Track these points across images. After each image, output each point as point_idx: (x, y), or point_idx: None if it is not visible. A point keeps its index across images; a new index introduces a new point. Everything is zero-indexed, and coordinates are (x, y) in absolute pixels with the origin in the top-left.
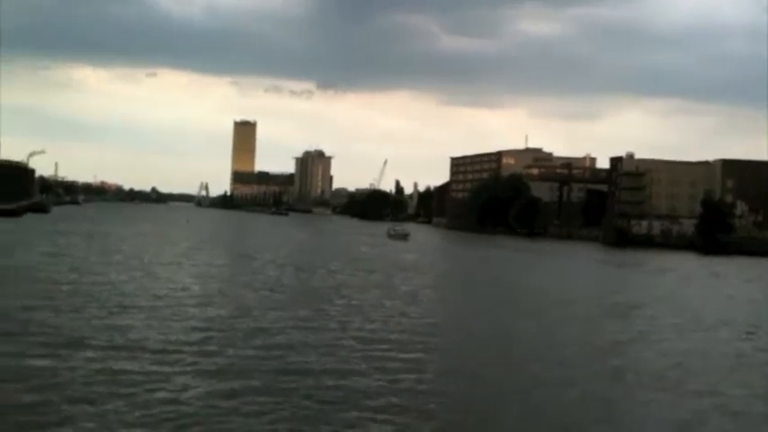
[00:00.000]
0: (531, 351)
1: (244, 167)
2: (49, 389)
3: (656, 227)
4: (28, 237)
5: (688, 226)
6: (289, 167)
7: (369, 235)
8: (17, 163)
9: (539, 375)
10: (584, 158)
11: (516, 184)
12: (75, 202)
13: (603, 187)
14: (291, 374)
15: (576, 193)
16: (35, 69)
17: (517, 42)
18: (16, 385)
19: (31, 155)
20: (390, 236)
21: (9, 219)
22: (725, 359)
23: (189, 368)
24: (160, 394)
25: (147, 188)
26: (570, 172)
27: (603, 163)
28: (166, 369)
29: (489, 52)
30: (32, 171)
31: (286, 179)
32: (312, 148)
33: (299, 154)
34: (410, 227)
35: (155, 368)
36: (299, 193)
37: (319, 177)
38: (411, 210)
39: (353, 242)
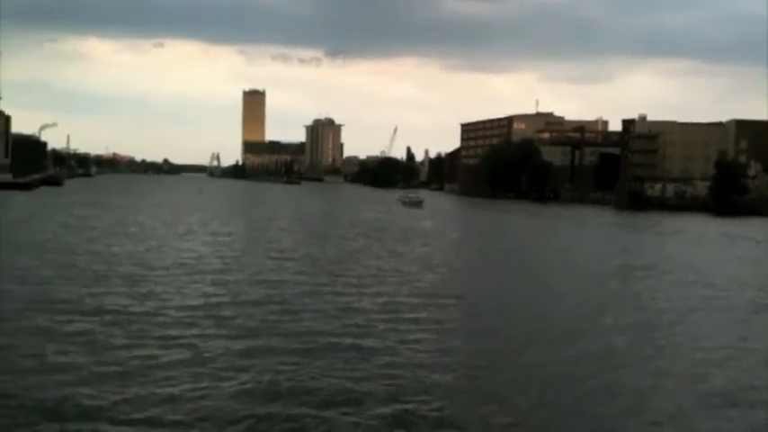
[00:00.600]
0: (539, 308)
1: (254, 137)
2: (79, 352)
3: (670, 189)
4: (43, 209)
5: (702, 188)
6: (299, 136)
7: (382, 202)
8: (29, 136)
9: (543, 329)
10: (596, 122)
11: (527, 149)
12: (87, 175)
13: (616, 150)
14: (308, 335)
15: (589, 156)
16: (41, 42)
17: (525, 5)
18: (52, 345)
19: (43, 128)
20: (404, 203)
21: (23, 192)
22: (725, 313)
23: (211, 331)
24: (181, 355)
25: (159, 159)
26: (582, 136)
27: (616, 126)
28: (188, 332)
29: (497, 16)
30: (44, 144)
31: (297, 148)
32: (322, 117)
33: (309, 122)
34: (423, 194)
35: (175, 332)
36: (310, 162)
37: (330, 146)
38: (423, 177)
39: (367, 210)
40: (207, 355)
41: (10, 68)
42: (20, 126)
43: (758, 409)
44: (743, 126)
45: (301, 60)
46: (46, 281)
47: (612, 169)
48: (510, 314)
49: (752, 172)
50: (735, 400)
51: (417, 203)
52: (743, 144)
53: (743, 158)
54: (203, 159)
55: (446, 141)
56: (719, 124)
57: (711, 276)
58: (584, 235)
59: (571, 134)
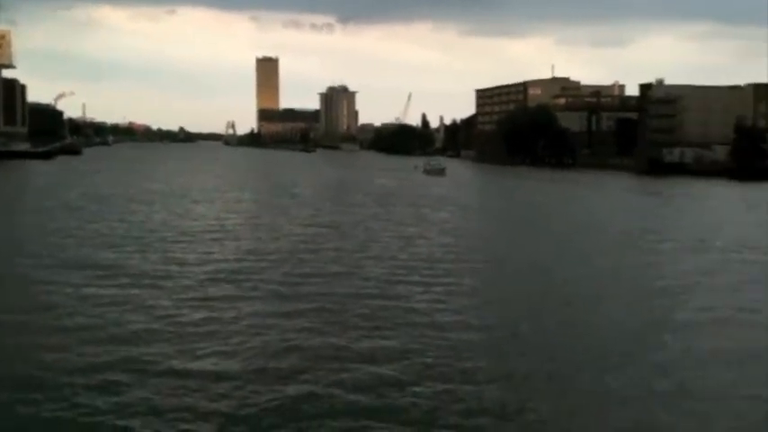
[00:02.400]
0: (550, 274)
1: (269, 105)
2: (127, 311)
3: (689, 154)
4: (67, 177)
5: (721, 152)
6: (314, 104)
7: (401, 169)
8: (45, 105)
9: (549, 290)
10: (613, 86)
11: (544, 115)
12: (105, 144)
13: (634, 115)
14: (337, 296)
15: (606, 122)
16: (55, 10)
17: None
18: (87, 308)
19: (59, 97)
20: (426, 171)
21: (44, 161)
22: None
23: (252, 293)
24: (214, 314)
25: (175, 128)
26: (599, 101)
27: (633, 90)
28: (223, 293)
29: None
30: (61, 113)
31: (311, 115)
32: (336, 84)
33: (324, 90)
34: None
35: (209, 291)
36: (325, 130)
37: (345, 113)
38: (438, 143)
39: (389, 177)
40: (233, 315)
41: (24, 37)
42: (36, 95)
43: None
44: (761, 89)
45: (314, 26)
46: (80, 245)
47: (631, 134)
48: (531, 276)
49: None
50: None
51: (440, 171)
52: (762, 108)
53: (762, 123)
54: (219, 128)
55: (462, 108)
56: (738, 88)
57: (728, 241)
58: (604, 200)
59: (588, 99)
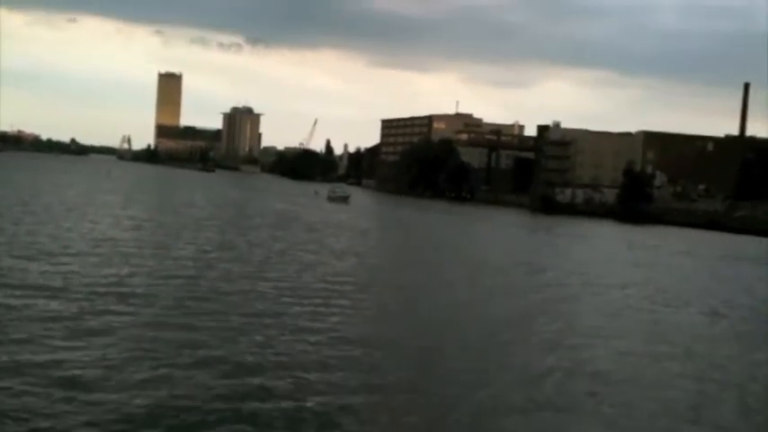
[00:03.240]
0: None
1: (169, 121)
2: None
3: (580, 195)
4: None
5: (610, 195)
6: (216, 123)
7: (302, 195)
8: None
9: (431, 315)
10: (513, 126)
11: (446, 149)
12: None
13: (531, 155)
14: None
15: (505, 159)
16: None
17: (451, 6)
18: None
19: None
20: (330, 198)
21: None
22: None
23: (123, 308)
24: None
25: (66, 139)
26: (499, 138)
27: (532, 131)
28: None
29: (421, 15)
30: None
31: (213, 135)
32: (240, 104)
33: (227, 109)
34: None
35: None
36: (226, 150)
37: (248, 134)
38: (341, 170)
39: (290, 203)
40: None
41: None
42: None
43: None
44: (651, 137)
45: (221, 45)
46: None
47: (527, 173)
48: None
49: (657, 182)
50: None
51: (344, 199)
52: (650, 155)
53: (650, 169)
54: (114, 141)
55: (366, 137)
56: (629, 134)
57: (596, 275)
58: (494, 234)
59: (489, 136)
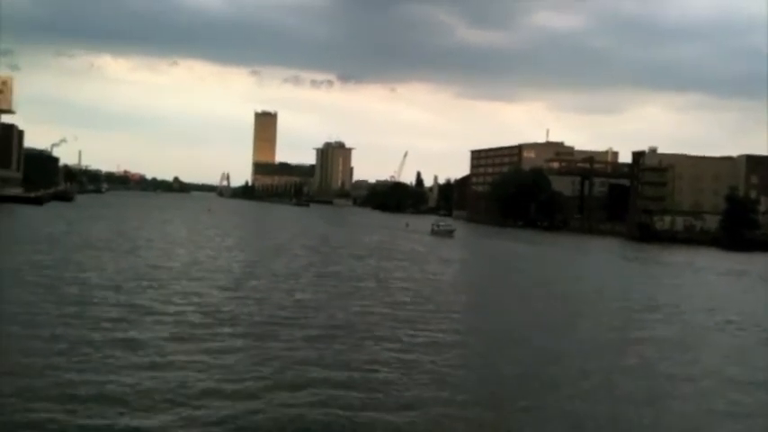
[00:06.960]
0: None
1: (264, 158)
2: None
3: (679, 222)
4: (55, 223)
5: (711, 222)
6: (309, 159)
7: (395, 228)
8: (41, 151)
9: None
10: (606, 152)
11: (537, 178)
12: (98, 191)
13: (626, 182)
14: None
15: (598, 187)
16: (57, 57)
17: (535, 35)
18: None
19: (56, 144)
20: (434, 232)
21: (34, 206)
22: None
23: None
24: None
25: (170, 178)
26: (592, 166)
27: (626, 157)
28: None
29: (507, 45)
30: (56, 159)
31: (307, 170)
32: (332, 140)
33: (320, 145)
34: (432, 220)
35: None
36: (319, 185)
37: (340, 169)
38: (432, 202)
39: (389, 236)
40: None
41: (26, 83)
42: (33, 141)
43: None
44: (753, 161)
45: (313, 83)
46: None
47: (622, 200)
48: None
49: (762, 207)
50: None
51: (449, 233)
52: (753, 179)
53: (753, 194)
54: (213, 179)
55: (456, 168)
56: (730, 158)
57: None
58: (594, 265)
59: (581, 164)
